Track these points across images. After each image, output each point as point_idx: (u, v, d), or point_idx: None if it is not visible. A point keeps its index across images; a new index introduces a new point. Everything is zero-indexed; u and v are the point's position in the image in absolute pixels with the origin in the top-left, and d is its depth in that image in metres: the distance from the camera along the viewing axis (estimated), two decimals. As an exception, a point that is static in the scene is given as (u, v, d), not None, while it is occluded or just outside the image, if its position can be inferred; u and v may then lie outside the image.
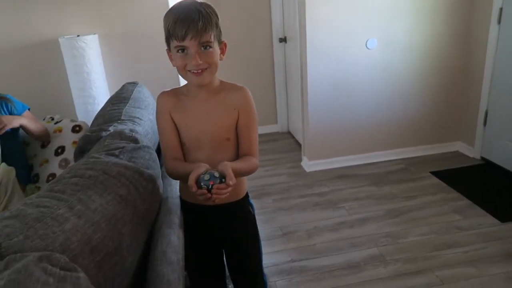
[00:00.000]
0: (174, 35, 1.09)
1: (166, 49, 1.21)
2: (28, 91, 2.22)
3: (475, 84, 3.19)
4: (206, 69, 1.14)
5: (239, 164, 1.19)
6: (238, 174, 1.13)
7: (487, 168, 3.12)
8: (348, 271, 2.05)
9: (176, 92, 1.30)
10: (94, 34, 2.67)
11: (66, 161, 1.96)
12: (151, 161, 1.30)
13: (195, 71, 1.14)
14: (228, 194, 1.09)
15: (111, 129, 1.55)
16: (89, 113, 2.57)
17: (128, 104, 1.82)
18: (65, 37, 2.59)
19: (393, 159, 3.35)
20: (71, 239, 0.76)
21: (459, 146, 3.45)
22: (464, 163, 3.21)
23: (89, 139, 1.53)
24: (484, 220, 2.42)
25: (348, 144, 3.28)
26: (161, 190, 1.27)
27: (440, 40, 3.14)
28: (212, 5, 1.15)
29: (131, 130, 1.54)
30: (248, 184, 1.41)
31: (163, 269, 0.98)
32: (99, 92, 2.62)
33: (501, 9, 2.87)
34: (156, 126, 1.84)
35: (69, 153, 1.95)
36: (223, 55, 1.20)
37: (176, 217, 1.23)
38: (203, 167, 1.10)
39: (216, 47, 1.15)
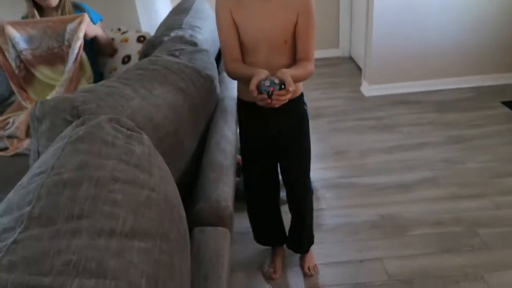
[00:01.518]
0: None
1: None
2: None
3: None
4: None
5: (296, 71, 1.20)
6: (295, 80, 1.15)
7: None
8: (398, 190, 2.07)
9: None
10: None
11: (132, 69, 2.08)
12: (209, 64, 1.35)
13: None
14: (287, 99, 1.12)
15: (173, 34, 1.61)
16: (152, 27, 2.64)
17: (189, 15, 1.86)
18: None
19: (462, 87, 3.14)
20: (136, 113, 0.85)
21: (541, 76, 3.13)
22: (542, 94, 2.93)
23: (152, 43, 1.61)
24: (556, 152, 2.26)
25: (413, 69, 3.10)
26: (218, 90, 1.33)
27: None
28: None
29: (191, 35, 1.60)
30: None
31: (217, 155, 1.07)
32: (162, 7, 2.67)
33: None
34: (215, 35, 1.88)
35: (134, 61, 2.07)
36: None
37: (230, 115, 1.30)
38: (263, 74, 1.12)
39: None
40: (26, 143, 1.60)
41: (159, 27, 1.89)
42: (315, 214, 1.67)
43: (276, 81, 1.10)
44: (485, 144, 2.39)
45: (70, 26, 1.73)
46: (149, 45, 1.62)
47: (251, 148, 1.47)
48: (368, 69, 3.16)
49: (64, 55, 1.77)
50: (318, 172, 2.23)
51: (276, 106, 1.12)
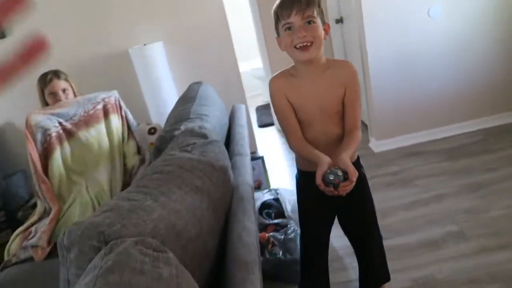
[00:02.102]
0: (281, 14, 1.22)
1: (276, 37, 1.32)
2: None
3: (559, 40, 2.89)
4: (312, 43, 1.22)
5: (351, 149, 1.29)
6: (353, 156, 1.31)
7: None
8: (426, 249, 2.01)
9: (286, 74, 1.38)
10: (159, 41, 2.86)
11: (142, 160, 2.15)
12: (220, 154, 1.40)
13: (301, 45, 1.22)
14: (352, 187, 1.19)
15: (182, 127, 1.68)
16: (161, 115, 2.76)
17: (195, 103, 1.95)
18: (134, 47, 2.80)
19: (468, 131, 3.16)
20: (158, 226, 0.87)
21: (546, 110, 3.15)
22: (551, 128, 2.93)
23: (164, 139, 1.68)
24: None
25: (417, 120, 3.16)
26: (232, 180, 1.36)
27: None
28: None
29: (200, 127, 1.66)
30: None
31: (239, 251, 1.07)
32: (169, 95, 2.81)
33: None
34: (222, 120, 1.96)
35: (147, 154, 2.14)
36: (327, 35, 1.28)
37: (248, 203, 1.31)
38: (325, 164, 1.20)
39: (319, 23, 1.23)
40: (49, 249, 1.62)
41: (168, 119, 1.97)
42: (344, 286, 1.62)
43: (339, 172, 1.18)
44: (504, 188, 2.36)
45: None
46: (161, 140, 1.69)
47: (313, 215, 1.52)
48: (374, 125, 3.22)
49: (98, 113, 1.97)
50: (342, 239, 2.16)
51: (343, 194, 1.20)
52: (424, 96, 3.09)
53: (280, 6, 1.23)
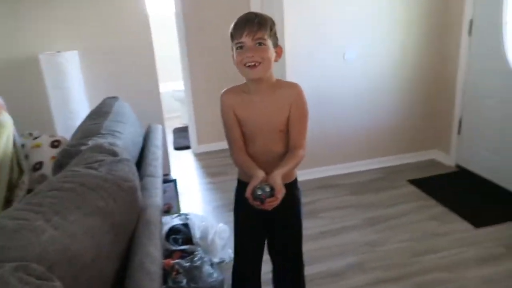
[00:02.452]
0: (234, 34, 1.30)
1: (232, 55, 1.37)
2: (6, 106, 2.21)
3: (449, 94, 3.31)
4: (260, 63, 1.29)
5: (287, 167, 1.36)
6: (288, 174, 1.37)
7: (462, 175, 3.22)
8: (329, 279, 2.08)
9: (237, 90, 1.44)
10: (74, 50, 2.69)
11: (43, 176, 1.95)
12: (130, 174, 1.31)
13: (250, 64, 1.29)
14: (279, 202, 1.27)
15: (90, 143, 1.56)
16: (69, 128, 2.56)
17: (108, 119, 1.83)
18: (45, 53, 2.59)
19: (372, 168, 3.42)
20: (47, 249, 0.78)
21: (435, 154, 3.55)
22: (440, 171, 3.30)
23: (68, 153, 1.53)
24: (460, 226, 2.49)
25: (327, 154, 3.34)
26: (140, 202, 1.28)
27: (416, 51, 3.25)
28: (271, 17, 1.35)
29: (111, 144, 1.56)
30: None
31: (140, 279, 0.99)
32: (79, 107, 2.62)
33: (471, 20, 3.01)
34: (136, 138, 1.87)
35: (47, 169, 1.94)
36: (279, 57, 1.36)
37: (154, 227, 1.24)
38: (257, 179, 1.30)
39: (269, 45, 1.30)
40: None
41: (75, 132, 1.83)
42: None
43: (267, 188, 1.26)
44: (400, 224, 2.57)
45: None
46: (64, 155, 1.54)
47: (244, 227, 1.58)
48: (288, 157, 3.32)
49: None
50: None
51: (269, 209, 1.28)
52: (334, 132, 3.30)
53: (234, 26, 1.31)
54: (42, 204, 0.95)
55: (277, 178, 1.28)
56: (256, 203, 1.27)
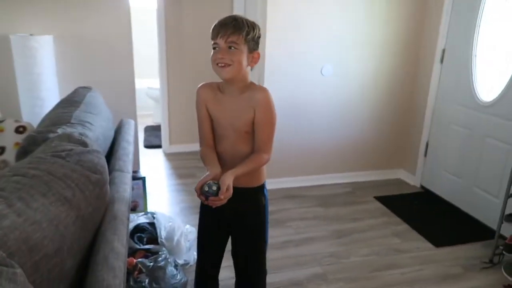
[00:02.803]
0: (211, 34, 1.34)
1: None
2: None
3: (419, 117, 3.42)
4: (230, 65, 1.33)
5: (244, 168, 1.38)
6: (244, 175, 1.38)
7: (425, 196, 3.32)
8: (292, 288, 2.08)
9: (213, 86, 1.47)
10: (49, 35, 2.59)
11: (5, 162, 1.85)
12: (99, 166, 1.27)
13: (221, 65, 1.33)
14: (224, 202, 1.30)
15: (59, 131, 1.50)
16: (36, 115, 2.45)
17: (79, 109, 1.77)
18: (17, 34, 2.48)
19: (340, 182, 3.47)
20: (8, 235, 0.73)
21: (401, 174, 3.65)
22: (405, 190, 3.39)
23: (34, 139, 1.46)
24: (421, 244, 2.56)
25: (298, 165, 3.37)
26: (107, 196, 1.24)
27: (390, 74, 3.35)
28: (254, 22, 1.38)
29: (81, 134, 1.50)
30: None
31: (103, 274, 0.95)
32: (49, 95, 2.52)
33: (443, 50, 3.13)
34: (107, 131, 1.81)
35: (9, 155, 1.85)
36: (253, 63, 1.40)
37: (121, 223, 1.20)
38: (210, 176, 1.34)
39: (242, 50, 1.33)
40: None
41: (43, 120, 1.75)
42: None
43: (214, 187, 1.30)
44: (364, 238, 2.61)
45: None
46: (30, 141, 1.47)
47: (207, 226, 1.59)
48: (259, 164, 3.32)
49: None
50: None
51: (213, 206, 1.32)
52: (306, 144, 3.33)
53: (213, 27, 1.35)
54: (5, 189, 0.90)
55: (227, 178, 1.31)
56: (202, 198, 1.32)
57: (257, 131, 1.43)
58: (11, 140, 1.86)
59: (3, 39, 2.53)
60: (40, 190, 0.94)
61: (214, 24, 1.35)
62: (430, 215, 3.00)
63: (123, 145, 1.90)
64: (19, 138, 1.89)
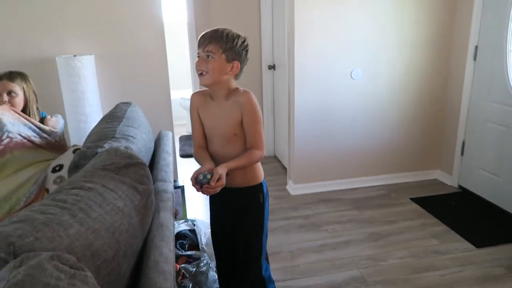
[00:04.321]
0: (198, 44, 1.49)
1: None
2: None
3: (453, 116, 3.36)
4: (206, 73, 1.46)
5: (237, 162, 1.50)
6: (238, 169, 1.50)
7: (464, 195, 3.25)
8: (330, 291, 2.11)
9: (205, 93, 1.60)
10: (91, 55, 2.76)
11: (61, 177, 2.00)
12: (144, 177, 1.36)
13: (199, 72, 1.47)
14: (217, 191, 1.42)
15: (106, 145, 1.61)
16: (81, 130, 2.62)
17: (122, 123, 1.88)
18: (62, 56, 2.66)
19: (374, 185, 3.46)
20: (75, 243, 0.82)
21: (438, 174, 3.59)
22: (442, 191, 3.34)
23: (85, 154, 1.59)
24: (460, 245, 2.52)
25: (332, 169, 3.38)
26: (154, 205, 1.33)
27: (421, 73, 3.32)
28: (239, 35, 1.50)
29: (126, 147, 1.61)
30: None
31: (155, 277, 1.03)
32: (92, 111, 2.68)
33: (476, 46, 3.08)
34: (148, 143, 1.93)
35: (66, 171, 2.00)
36: (232, 72, 1.49)
37: (167, 230, 1.28)
38: (205, 167, 1.48)
39: (219, 59, 1.45)
40: None
41: (90, 135, 1.88)
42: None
43: (208, 176, 1.42)
44: (401, 240, 2.60)
45: None
46: (81, 156, 1.59)
47: (214, 225, 1.74)
48: (292, 169, 3.37)
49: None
50: (251, 277, 2.20)
51: (208, 195, 1.47)
52: (339, 148, 3.35)
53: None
54: (66, 201, 1.00)
55: (220, 168, 1.43)
56: (196, 187, 1.44)
57: (247, 131, 1.53)
58: (69, 159, 2.00)
59: (50, 61, 2.72)
60: (96, 201, 1.04)
61: None
62: (469, 215, 2.94)
63: (163, 156, 2.01)
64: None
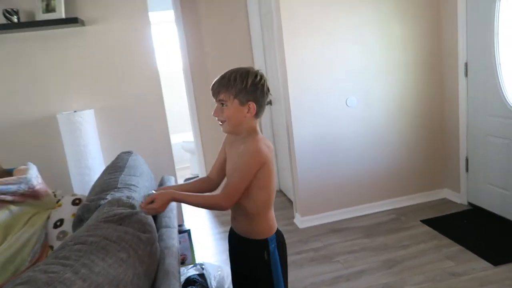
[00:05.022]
0: None
1: None
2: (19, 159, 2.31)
3: (453, 133, 3.37)
4: (224, 121, 1.45)
5: (189, 197, 1.42)
6: (186, 203, 1.43)
7: (474, 212, 3.20)
8: (348, 325, 2.05)
9: (234, 136, 1.56)
10: (90, 109, 2.83)
11: (64, 232, 2.00)
12: (147, 225, 1.37)
13: (219, 122, 1.47)
14: (147, 213, 1.37)
15: (109, 197, 1.63)
16: (85, 183, 2.64)
17: (123, 173, 1.91)
18: (63, 113, 2.74)
19: (383, 210, 3.42)
20: (78, 300, 0.82)
21: (446, 193, 3.56)
22: (452, 210, 3.29)
23: (88, 208, 1.60)
24: (477, 265, 2.45)
25: (338, 198, 3.36)
26: (158, 252, 1.33)
27: (416, 95, 3.36)
28: (248, 72, 1.42)
29: (128, 197, 1.63)
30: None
31: (163, 327, 1.02)
32: (95, 163, 2.72)
33: (466, 63, 3.13)
34: (150, 191, 1.94)
35: (67, 225, 2.00)
36: (249, 114, 1.43)
37: (174, 278, 1.27)
38: (162, 188, 1.54)
39: (232, 105, 1.41)
40: None
41: (93, 187, 1.90)
42: None
43: (146, 195, 1.41)
44: (416, 264, 2.54)
45: None
46: (84, 209, 1.61)
47: (231, 268, 1.69)
48: (298, 202, 3.35)
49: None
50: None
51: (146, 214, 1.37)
52: (343, 176, 3.34)
53: None
54: (69, 257, 1.00)
55: (162, 193, 1.37)
56: (139, 204, 1.41)
57: (227, 176, 1.50)
58: (68, 212, 2.01)
59: (51, 119, 2.80)
60: (99, 255, 1.04)
61: None
62: (483, 232, 2.88)
63: (167, 201, 2.01)
64: (75, 209, 2.05)
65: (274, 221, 1.54)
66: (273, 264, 1.51)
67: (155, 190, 1.42)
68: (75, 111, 2.74)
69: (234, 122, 1.44)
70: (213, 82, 1.45)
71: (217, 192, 1.47)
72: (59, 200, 2.05)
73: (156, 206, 1.35)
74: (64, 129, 2.67)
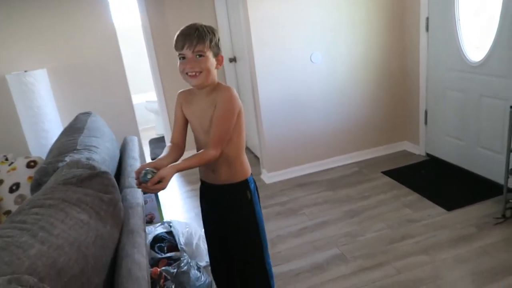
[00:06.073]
0: (176, 46, 1.42)
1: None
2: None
3: (413, 87, 3.46)
4: (200, 72, 1.41)
5: (187, 163, 1.41)
6: (187, 169, 1.41)
7: (432, 163, 3.36)
8: (312, 273, 2.15)
9: (190, 91, 1.57)
10: (42, 68, 2.67)
11: (21, 196, 1.94)
12: (109, 186, 1.34)
13: (191, 74, 1.42)
14: (154, 192, 1.38)
15: (67, 159, 1.58)
16: (42, 147, 2.55)
17: (82, 134, 1.85)
18: (12, 73, 2.57)
19: (346, 163, 3.53)
20: (36, 263, 0.80)
21: (406, 145, 3.70)
22: (411, 161, 3.44)
23: (46, 171, 1.55)
24: (433, 211, 2.61)
25: (303, 153, 3.43)
26: (122, 213, 1.31)
27: (378, 49, 3.38)
28: (213, 27, 1.46)
29: (88, 158, 1.58)
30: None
31: (129, 286, 1.03)
32: (52, 126, 2.61)
33: (427, 18, 3.16)
34: (112, 152, 1.89)
35: (24, 189, 1.94)
36: (219, 65, 1.48)
37: (138, 236, 1.27)
38: (153, 163, 1.41)
39: (208, 56, 1.41)
40: None
41: (51, 150, 1.83)
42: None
43: (149, 176, 1.33)
44: (376, 213, 2.67)
45: None
46: (42, 173, 1.55)
47: (205, 222, 1.71)
48: (265, 158, 3.39)
49: None
50: (234, 270, 2.21)
51: (146, 192, 1.40)
52: (307, 132, 3.39)
53: (176, 39, 1.42)
54: (26, 221, 0.97)
55: (165, 171, 1.34)
56: (136, 182, 1.36)
57: (211, 127, 1.45)
58: (24, 175, 1.94)
59: (0, 80, 2.62)
60: (58, 218, 1.01)
61: (176, 36, 1.42)
62: (439, 181, 3.04)
63: (130, 162, 1.98)
64: (31, 172, 1.98)
65: (248, 163, 1.60)
66: (255, 202, 1.59)
67: (149, 168, 1.35)
68: (25, 71, 2.58)
69: (209, 73, 1.44)
70: (186, 34, 1.40)
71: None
72: (11, 163, 1.96)
73: (166, 185, 1.33)
74: (15, 91, 2.52)
